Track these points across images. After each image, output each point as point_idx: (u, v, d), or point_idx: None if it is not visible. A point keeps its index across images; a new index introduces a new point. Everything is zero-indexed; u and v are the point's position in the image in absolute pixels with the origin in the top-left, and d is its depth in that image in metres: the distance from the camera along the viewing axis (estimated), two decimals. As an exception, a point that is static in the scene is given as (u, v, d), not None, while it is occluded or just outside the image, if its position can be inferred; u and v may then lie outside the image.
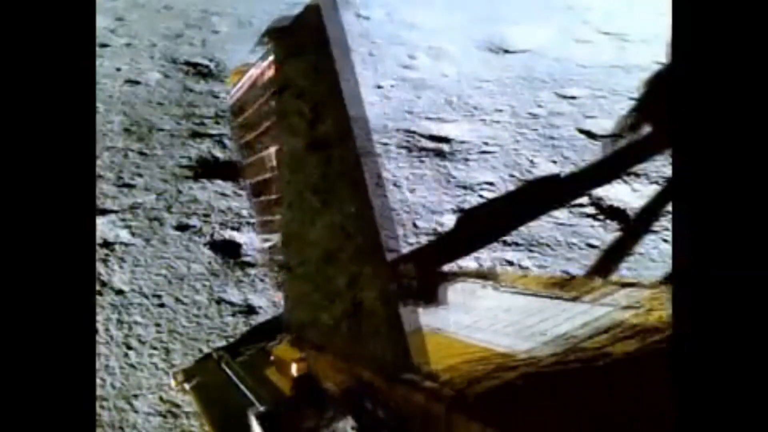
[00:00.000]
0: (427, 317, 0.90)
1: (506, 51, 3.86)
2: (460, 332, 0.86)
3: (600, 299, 0.86)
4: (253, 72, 0.77)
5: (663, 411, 0.68)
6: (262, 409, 0.98)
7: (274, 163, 0.77)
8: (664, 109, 2.98)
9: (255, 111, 0.80)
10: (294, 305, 0.93)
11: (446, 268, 2.11)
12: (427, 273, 1.11)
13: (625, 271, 2.06)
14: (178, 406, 1.67)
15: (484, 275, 1.13)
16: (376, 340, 0.71)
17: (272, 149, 0.78)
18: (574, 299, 0.89)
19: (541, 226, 2.30)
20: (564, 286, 0.94)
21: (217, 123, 3.16)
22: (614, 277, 1.45)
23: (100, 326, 1.95)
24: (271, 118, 0.79)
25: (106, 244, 2.31)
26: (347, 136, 0.65)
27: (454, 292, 1.00)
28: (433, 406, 0.67)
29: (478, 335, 0.83)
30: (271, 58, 0.77)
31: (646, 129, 2.88)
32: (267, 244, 0.98)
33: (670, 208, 2.34)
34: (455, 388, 0.66)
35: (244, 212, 2.47)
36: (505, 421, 0.62)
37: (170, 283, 2.12)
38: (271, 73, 0.77)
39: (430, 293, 0.98)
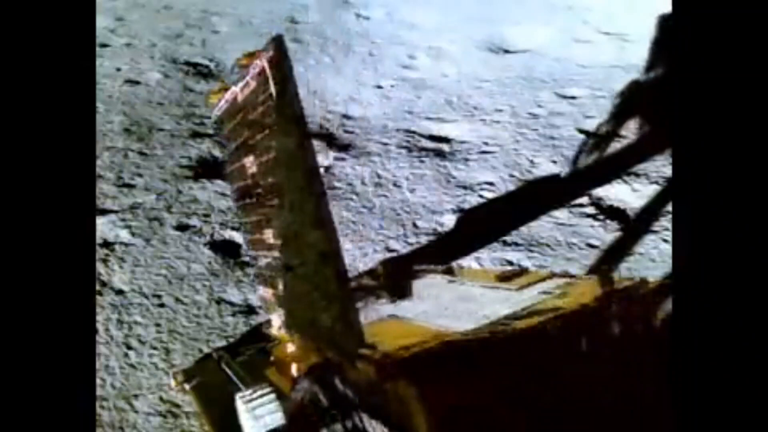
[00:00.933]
0: (396, 308, 1.05)
1: (506, 51, 3.86)
2: (422, 319, 1.00)
3: (532, 287, 1.01)
4: (234, 90, 0.89)
5: (554, 371, 0.82)
6: (248, 392, 1.06)
7: (254, 170, 0.88)
8: (664, 109, 2.98)
9: (236, 124, 0.90)
10: (287, 302, 1.06)
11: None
12: (396, 270, 1.26)
13: (625, 271, 2.05)
14: (178, 406, 1.67)
15: (446, 271, 1.28)
16: (336, 328, 0.84)
17: (251, 157, 0.88)
18: (516, 288, 1.03)
19: (541, 226, 2.30)
20: (510, 279, 1.08)
21: (217, 123, 3.17)
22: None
23: (100, 326, 1.94)
24: (248, 130, 0.89)
25: (106, 244, 2.31)
26: (303, 161, 0.80)
27: (421, 286, 1.16)
28: (377, 375, 0.79)
29: (436, 321, 0.96)
30: (247, 78, 0.87)
31: (646, 129, 2.88)
32: (256, 246, 1.08)
33: (670, 208, 2.34)
34: (396, 360, 0.79)
35: (244, 212, 2.47)
36: (432, 383, 0.75)
37: (170, 283, 2.12)
38: (245, 94, 0.87)
39: (399, 288, 1.13)
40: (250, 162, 0.90)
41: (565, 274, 1.10)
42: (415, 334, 0.90)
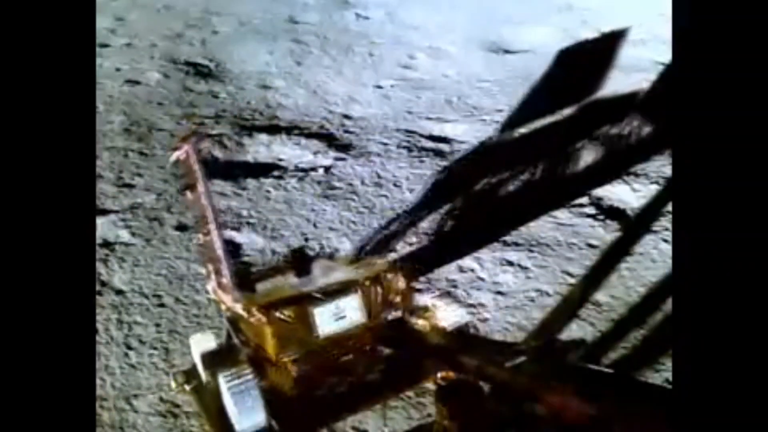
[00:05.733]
0: (293, 282, 1.60)
1: (506, 51, 3.86)
2: (296, 286, 1.52)
3: (361, 268, 1.54)
4: (178, 152, 1.54)
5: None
6: (209, 347, 1.50)
7: (192, 199, 1.54)
8: (665, 109, 2.98)
9: (182, 169, 1.57)
10: None
11: (446, 267, 2.12)
12: (299, 256, 1.80)
13: (625, 271, 2.06)
14: (178, 406, 1.67)
15: (328, 257, 1.87)
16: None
17: (189, 192, 1.54)
18: (354, 269, 1.56)
19: (541, 226, 2.30)
20: (357, 263, 1.65)
21: (217, 123, 3.16)
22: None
23: (100, 326, 1.94)
24: (186, 176, 1.57)
25: (106, 244, 2.31)
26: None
27: (314, 268, 1.66)
28: (247, 313, 1.40)
29: (304, 287, 1.48)
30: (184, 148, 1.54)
31: (646, 129, 2.88)
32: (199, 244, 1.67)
33: (670, 208, 2.34)
34: (256, 305, 1.40)
35: (244, 212, 2.47)
36: (275, 319, 1.36)
37: (170, 283, 2.12)
38: (183, 157, 1.55)
39: (300, 268, 1.63)
40: (189, 194, 1.51)
41: (376, 260, 1.71)
42: (286, 293, 1.46)
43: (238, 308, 1.41)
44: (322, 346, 1.38)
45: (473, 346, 1.55)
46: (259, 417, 1.27)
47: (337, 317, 1.38)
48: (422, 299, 1.54)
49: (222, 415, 1.44)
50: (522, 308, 1.93)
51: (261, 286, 1.57)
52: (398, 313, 1.44)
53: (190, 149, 1.45)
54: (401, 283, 1.43)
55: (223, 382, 1.29)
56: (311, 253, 2.10)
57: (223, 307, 1.53)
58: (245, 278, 1.62)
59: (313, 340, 1.36)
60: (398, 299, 1.43)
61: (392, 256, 2.18)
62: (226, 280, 1.45)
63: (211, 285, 1.54)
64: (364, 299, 1.39)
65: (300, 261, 1.69)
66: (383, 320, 1.43)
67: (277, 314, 1.34)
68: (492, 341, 1.77)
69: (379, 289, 1.40)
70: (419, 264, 2.12)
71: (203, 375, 1.48)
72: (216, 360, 1.42)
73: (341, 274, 1.50)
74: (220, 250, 1.46)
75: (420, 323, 1.49)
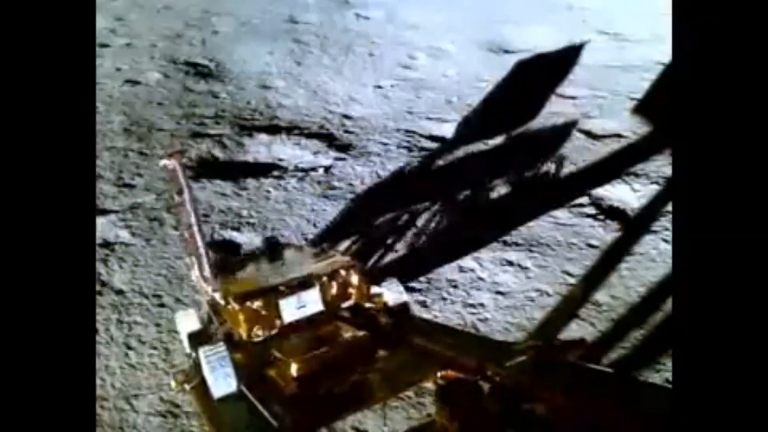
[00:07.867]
0: (266, 267, 1.82)
1: (506, 51, 3.86)
2: (272, 281, 1.67)
3: (319, 261, 1.76)
4: (168, 163, 1.64)
5: None
6: (194, 328, 1.72)
7: (177, 200, 1.68)
8: (665, 109, 2.98)
9: (171, 178, 1.68)
10: None
11: (446, 267, 2.12)
12: (275, 247, 2.01)
13: (625, 271, 2.06)
14: (178, 406, 1.67)
15: (297, 248, 2.03)
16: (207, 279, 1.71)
17: (177, 195, 1.67)
18: (314, 262, 1.76)
19: (541, 226, 2.30)
20: (320, 255, 1.83)
21: (217, 123, 3.16)
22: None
23: (100, 326, 1.94)
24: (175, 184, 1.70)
25: (106, 244, 2.31)
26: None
27: (284, 255, 1.89)
28: (223, 300, 1.62)
29: (275, 280, 1.66)
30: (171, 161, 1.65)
31: (646, 129, 2.88)
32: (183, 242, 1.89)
33: (670, 208, 2.34)
34: (230, 293, 1.60)
35: (244, 212, 2.47)
36: (246, 307, 1.56)
37: (170, 283, 2.12)
38: (170, 168, 1.66)
39: (273, 256, 1.87)
40: (177, 198, 1.67)
41: (336, 253, 1.88)
42: (258, 284, 1.64)
43: (217, 296, 1.64)
44: (286, 330, 1.59)
45: (418, 325, 1.70)
46: (231, 384, 1.47)
47: (299, 307, 1.61)
48: (374, 288, 1.70)
49: (218, 413, 1.46)
50: (522, 308, 1.93)
51: (239, 272, 1.81)
52: (351, 302, 1.66)
53: (176, 162, 1.64)
54: (354, 278, 1.65)
55: (202, 355, 1.50)
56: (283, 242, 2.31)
57: (205, 295, 1.74)
58: (226, 265, 1.84)
59: (278, 326, 1.59)
60: (351, 291, 1.65)
61: (368, 247, 2.18)
62: (206, 272, 1.68)
63: (194, 276, 1.76)
64: (322, 292, 1.62)
65: (272, 248, 1.96)
66: (339, 308, 1.65)
67: (249, 304, 1.56)
68: (492, 341, 1.77)
69: (335, 284, 1.63)
70: (419, 264, 2.13)
71: (188, 350, 1.70)
72: (198, 338, 1.68)
73: (305, 267, 1.73)
74: (201, 248, 1.66)
75: (371, 307, 1.69)
